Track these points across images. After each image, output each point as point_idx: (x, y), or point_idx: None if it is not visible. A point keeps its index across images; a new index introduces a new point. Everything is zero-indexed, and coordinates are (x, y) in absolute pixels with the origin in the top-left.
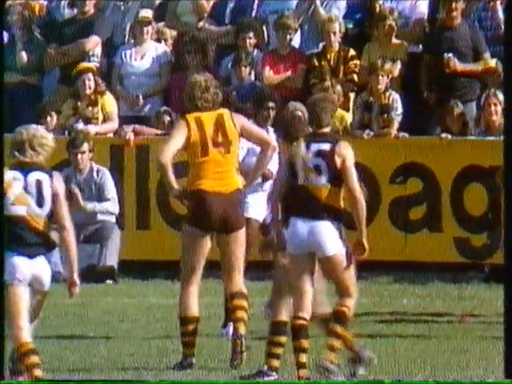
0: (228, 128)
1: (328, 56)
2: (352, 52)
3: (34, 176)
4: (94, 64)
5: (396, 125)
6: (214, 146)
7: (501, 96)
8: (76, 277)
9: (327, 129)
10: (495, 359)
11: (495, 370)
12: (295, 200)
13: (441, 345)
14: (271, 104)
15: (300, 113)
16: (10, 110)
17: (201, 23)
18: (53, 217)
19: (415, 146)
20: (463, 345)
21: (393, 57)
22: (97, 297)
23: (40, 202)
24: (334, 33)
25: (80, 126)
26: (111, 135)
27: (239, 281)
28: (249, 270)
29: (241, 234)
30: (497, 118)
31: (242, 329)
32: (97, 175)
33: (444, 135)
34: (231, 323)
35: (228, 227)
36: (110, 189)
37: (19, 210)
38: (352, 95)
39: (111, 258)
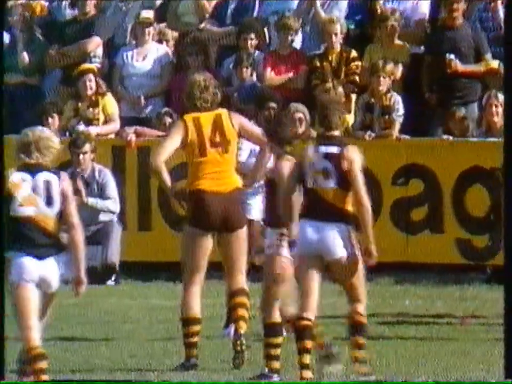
0: (226, 128)
1: (330, 58)
2: (353, 53)
3: (42, 176)
4: (95, 65)
5: (397, 126)
6: (212, 146)
7: (502, 97)
8: (82, 275)
9: (336, 132)
10: (497, 360)
11: (497, 372)
12: (303, 202)
13: (443, 346)
14: (272, 104)
15: (300, 115)
16: (11, 111)
17: (202, 24)
18: (62, 217)
19: (416, 147)
20: (465, 346)
21: (395, 59)
22: (99, 298)
23: (49, 202)
24: (336, 34)
25: (81, 127)
26: (112, 136)
27: (241, 280)
28: (251, 271)
29: (242, 233)
30: (499, 119)
31: (242, 328)
32: (99, 175)
33: (445, 136)
34: (233, 324)
35: (228, 226)
36: (112, 189)
37: (28, 211)
38: (353, 96)
39: (113, 256)
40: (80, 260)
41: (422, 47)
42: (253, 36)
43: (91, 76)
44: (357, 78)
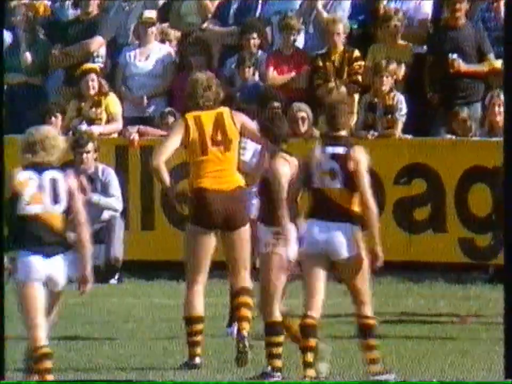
0: (228, 127)
1: (333, 57)
2: (356, 53)
3: (48, 175)
4: (98, 65)
5: (400, 125)
6: (213, 145)
7: None
8: (89, 273)
9: (343, 133)
10: (500, 360)
11: (500, 372)
12: (310, 202)
13: (446, 346)
14: (276, 104)
15: (303, 114)
16: (14, 110)
17: (205, 24)
18: (68, 214)
19: (419, 147)
20: (467, 346)
21: (398, 59)
22: (101, 297)
23: (55, 200)
24: (338, 34)
25: (84, 127)
26: (115, 135)
27: (245, 278)
28: (254, 270)
29: (245, 231)
30: (501, 118)
31: (246, 328)
32: (102, 174)
33: (448, 136)
34: (236, 323)
35: (230, 224)
36: (115, 187)
37: (34, 209)
38: (356, 96)
39: (116, 252)
40: (86, 257)
41: (425, 47)
42: (255, 35)
43: (93, 76)
44: (359, 77)
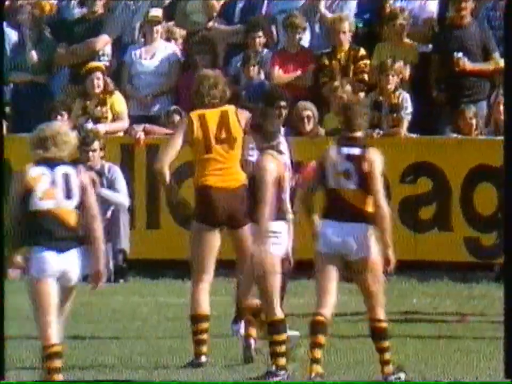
0: (232, 125)
1: (338, 56)
2: (362, 52)
3: (61, 170)
4: (104, 63)
5: (405, 124)
6: (217, 143)
7: None
8: (102, 268)
9: (358, 133)
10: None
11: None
12: (325, 202)
13: (451, 345)
14: (282, 103)
15: (309, 113)
16: (19, 109)
17: (210, 23)
18: (81, 209)
19: (425, 145)
20: (472, 345)
21: (404, 58)
22: (107, 296)
23: (68, 195)
24: (344, 32)
25: (90, 125)
26: (121, 134)
27: None
28: None
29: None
30: None
31: (253, 334)
32: (109, 172)
33: (453, 135)
34: (242, 322)
35: (235, 222)
36: (122, 184)
37: (47, 204)
38: (362, 95)
39: (122, 241)
40: (99, 252)
41: (430, 46)
42: (260, 34)
43: (99, 74)
44: (365, 76)
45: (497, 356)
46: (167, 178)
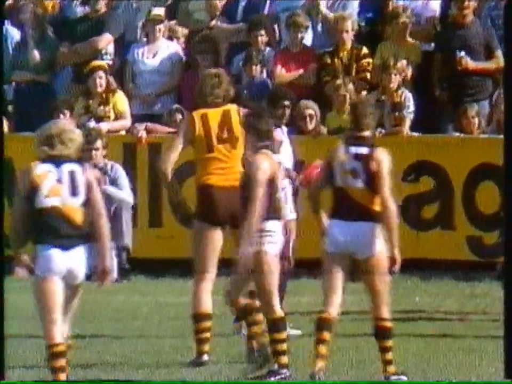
0: (234, 124)
1: (341, 54)
2: (364, 50)
3: (67, 167)
4: (106, 62)
5: (408, 123)
6: (219, 142)
7: None
8: (109, 265)
9: (366, 133)
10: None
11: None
12: (332, 201)
13: (454, 344)
14: (286, 102)
15: (311, 112)
16: (22, 108)
17: (213, 21)
18: (87, 207)
19: (427, 144)
20: (474, 343)
21: (407, 57)
22: (109, 295)
23: (74, 193)
24: (347, 31)
25: (92, 124)
26: (123, 133)
27: None
28: None
29: None
30: None
31: (258, 342)
32: (111, 170)
33: (456, 134)
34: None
35: (236, 221)
36: (124, 182)
37: (53, 201)
38: (364, 93)
39: (125, 238)
40: (106, 249)
41: (433, 45)
42: (263, 32)
43: (101, 73)
44: (367, 75)
45: (500, 354)
46: (168, 179)
